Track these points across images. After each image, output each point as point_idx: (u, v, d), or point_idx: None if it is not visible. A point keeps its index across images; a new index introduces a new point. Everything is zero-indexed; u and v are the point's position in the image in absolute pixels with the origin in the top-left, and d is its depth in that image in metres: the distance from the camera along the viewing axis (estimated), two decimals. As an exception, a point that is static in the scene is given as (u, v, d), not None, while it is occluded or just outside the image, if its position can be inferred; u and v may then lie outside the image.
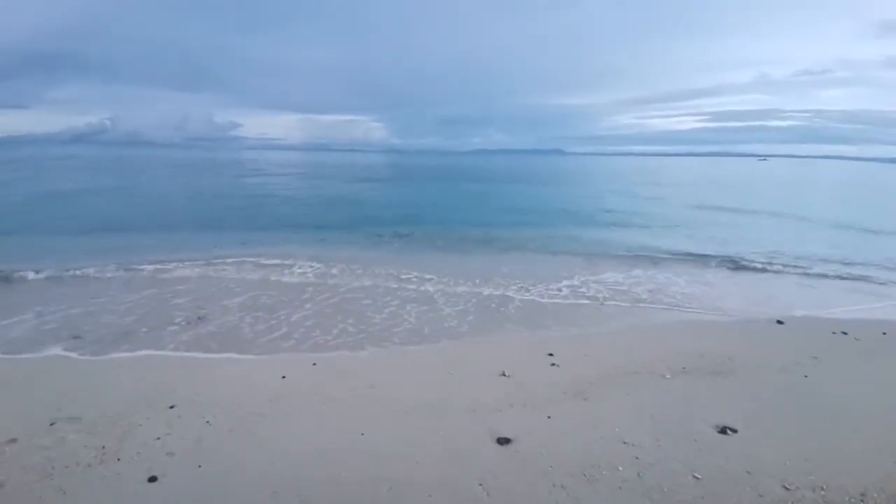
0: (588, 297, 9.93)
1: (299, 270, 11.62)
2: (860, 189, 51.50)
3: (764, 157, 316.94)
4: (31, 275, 10.46)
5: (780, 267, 13.37)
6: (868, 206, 33.17)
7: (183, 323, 7.76)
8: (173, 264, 11.68)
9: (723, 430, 4.76)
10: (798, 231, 20.43)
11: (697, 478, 4.03)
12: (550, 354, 6.61)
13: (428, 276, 11.08)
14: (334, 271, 11.52)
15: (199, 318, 7.95)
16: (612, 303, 9.61)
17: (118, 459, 4.20)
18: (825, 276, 12.55)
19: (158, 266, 11.51)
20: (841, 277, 12.44)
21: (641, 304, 9.61)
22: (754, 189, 47.65)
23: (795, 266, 13.50)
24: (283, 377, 5.84)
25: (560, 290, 10.43)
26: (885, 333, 7.78)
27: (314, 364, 6.24)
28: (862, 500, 3.76)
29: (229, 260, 12.31)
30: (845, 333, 7.68)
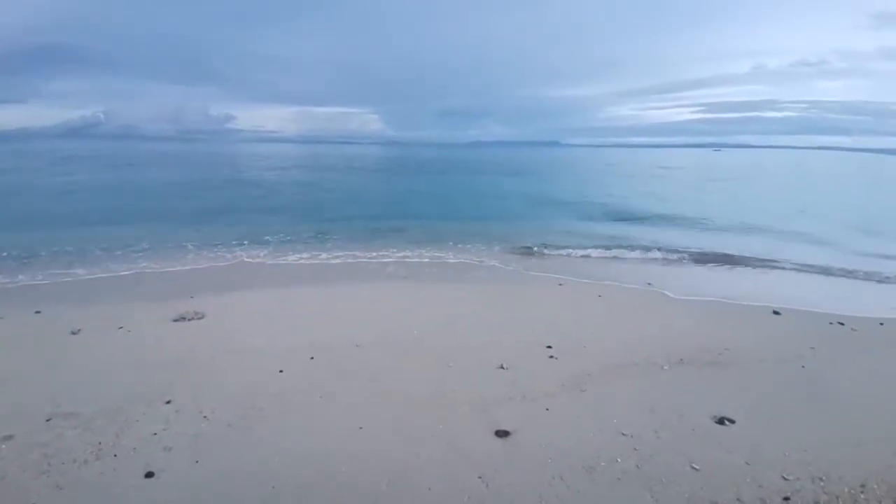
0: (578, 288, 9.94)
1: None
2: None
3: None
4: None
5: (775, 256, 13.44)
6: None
7: (181, 317, 7.69)
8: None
9: (721, 421, 4.77)
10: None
11: (696, 468, 4.04)
12: (549, 347, 6.59)
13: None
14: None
15: (195, 311, 7.89)
16: (609, 293, 9.60)
17: (115, 455, 4.16)
18: (820, 265, 12.57)
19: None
20: (836, 266, 12.46)
21: (639, 295, 9.60)
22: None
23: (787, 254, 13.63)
24: (281, 371, 5.81)
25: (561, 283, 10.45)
26: (882, 324, 7.80)
27: (311, 358, 6.19)
28: (862, 491, 3.77)
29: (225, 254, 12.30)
30: (842, 324, 7.69)
